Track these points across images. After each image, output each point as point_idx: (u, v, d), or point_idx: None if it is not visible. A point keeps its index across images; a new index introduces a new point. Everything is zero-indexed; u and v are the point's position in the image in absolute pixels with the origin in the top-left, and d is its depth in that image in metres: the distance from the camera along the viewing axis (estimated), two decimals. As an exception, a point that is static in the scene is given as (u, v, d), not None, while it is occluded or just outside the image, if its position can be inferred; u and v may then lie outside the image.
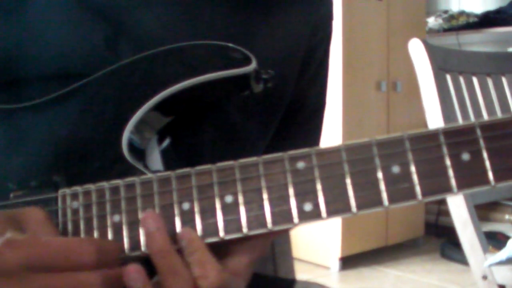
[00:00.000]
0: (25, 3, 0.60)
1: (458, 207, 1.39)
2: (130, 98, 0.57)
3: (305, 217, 0.47)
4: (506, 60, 1.63)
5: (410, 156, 0.46)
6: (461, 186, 0.44)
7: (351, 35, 2.94)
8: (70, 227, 0.51)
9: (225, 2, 0.66)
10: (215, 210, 0.48)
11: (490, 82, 1.56)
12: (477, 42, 3.69)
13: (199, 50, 0.60)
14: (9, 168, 0.57)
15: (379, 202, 0.46)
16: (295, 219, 0.47)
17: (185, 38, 0.60)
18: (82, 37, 0.60)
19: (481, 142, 0.45)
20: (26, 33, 0.60)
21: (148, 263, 0.47)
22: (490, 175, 0.44)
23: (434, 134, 0.45)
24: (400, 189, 0.45)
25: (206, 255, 0.48)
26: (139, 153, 0.57)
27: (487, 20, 3.52)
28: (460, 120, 1.42)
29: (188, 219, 0.48)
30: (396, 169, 0.46)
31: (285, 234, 0.93)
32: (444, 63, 1.49)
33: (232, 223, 0.48)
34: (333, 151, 0.47)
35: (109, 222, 0.50)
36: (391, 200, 0.45)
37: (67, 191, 0.52)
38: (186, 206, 0.49)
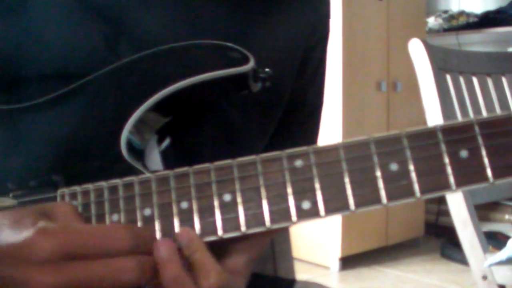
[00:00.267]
0: (25, 3, 0.60)
1: (458, 207, 1.38)
2: (129, 98, 0.57)
3: (303, 215, 0.47)
4: (506, 60, 1.63)
5: (408, 153, 0.46)
6: (459, 183, 0.44)
7: (351, 35, 2.94)
8: None
9: (224, 2, 0.66)
10: (214, 209, 0.48)
11: (490, 82, 1.56)
12: (477, 42, 3.69)
13: (197, 49, 0.60)
14: (8, 168, 0.57)
15: (378, 200, 0.45)
16: (294, 217, 0.47)
17: (185, 38, 0.60)
18: (82, 37, 0.60)
19: (479, 139, 0.45)
20: (26, 33, 0.60)
21: None
22: (489, 172, 0.44)
23: (432, 132, 0.45)
24: (398, 186, 0.45)
25: (206, 255, 0.48)
26: (138, 153, 0.57)
27: (487, 20, 3.52)
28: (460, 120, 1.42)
29: (186, 218, 0.48)
30: (394, 166, 0.46)
31: (285, 234, 0.93)
32: (444, 63, 1.49)
33: (231, 221, 0.48)
34: (331, 149, 0.47)
35: (107, 221, 0.50)
36: (390, 197, 0.45)
37: (66, 190, 0.52)
38: (184, 205, 0.49)
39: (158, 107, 0.56)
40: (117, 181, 0.50)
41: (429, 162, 0.45)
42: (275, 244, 0.90)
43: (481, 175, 0.44)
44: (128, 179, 0.50)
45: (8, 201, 0.53)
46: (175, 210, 0.49)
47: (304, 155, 0.47)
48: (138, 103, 0.56)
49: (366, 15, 3.04)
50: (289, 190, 0.47)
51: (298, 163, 0.47)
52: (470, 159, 0.44)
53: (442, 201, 3.11)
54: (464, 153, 0.45)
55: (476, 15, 3.64)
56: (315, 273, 2.92)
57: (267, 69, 0.60)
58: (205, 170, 0.49)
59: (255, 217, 0.47)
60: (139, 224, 0.49)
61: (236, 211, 0.48)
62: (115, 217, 0.50)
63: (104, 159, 0.57)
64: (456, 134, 0.45)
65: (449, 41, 3.54)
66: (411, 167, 0.45)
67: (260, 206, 0.47)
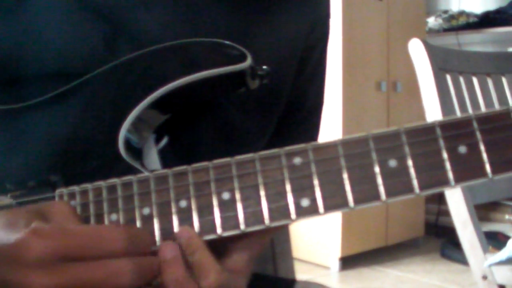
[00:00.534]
0: (25, 3, 0.60)
1: (458, 207, 1.38)
2: (127, 97, 0.57)
3: (302, 212, 0.46)
4: (506, 60, 1.63)
5: (407, 149, 0.45)
6: (458, 179, 0.44)
7: (351, 35, 2.94)
8: None
9: (224, 2, 0.66)
10: (212, 207, 0.48)
11: (490, 82, 1.56)
12: (477, 42, 3.69)
13: (194, 47, 0.60)
14: (6, 168, 0.57)
15: (377, 196, 0.45)
16: (293, 215, 0.47)
17: (184, 37, 0.60)
18: (81, 36, 0.60)
19: (478, 134, 0.44)
20: (25, 33, 0.60)
21: None
22: (488, 167, 0.44)
23: (430, 127, 0.45)
24: (397, 182, 0.45)
25: (205, 254, 0.48)
26: (136, 152, 0.57)
27: (487, 20, 3.52)
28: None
29: (185, 217, 0.48)
30: (393, 163, 0.45)
31: (285, 234, 0.93)
32: (444, 63, 1.49)
33: (230, 220, 0.48)
34: (329, 146, 0.47)
35: (106, 221, 0.50)
36: (389, 194, 0.45)
37: (64, 190, 0.52)
38: (183, 203, 0.49)
39: (156, 106, 0.56)
40: (115, 181, 0.50)
41: (427, 158, 0.45)
42: (275, 245, 0.90)
43: (480, 170, 0.44)
44: (127, 178, 0.50)
45: (5, 200, 0.53)
46: (174, 208, 0.49)
47: (303, 152, 0.47)
48: (136, 101, 0.56)
49: (366, 15, 3.04)
50: (288, 187, 0.47)
51: (297, 160, 0.47)
52: (469, 155, 0.44)
53: (442, 201, 3.12)
54: (462, 149, 0.45)
55: (476, 15, 3.64)
56: (315, 273, 2.91)
57: (264, 67, 0.60)
58: (204, 169, 0.49)
59: (254, 215, 0.47)
60: (138, 223, 0.49)
61: (235, 209, 0.48)
62: (113, 216, 0.50)
63: (102, 159, 0.57)
64: (454, 130, 0.45)
65: (449, 41, 3.54)
66: (410, 163, 0.45)
67: (259, 204, 0.47)
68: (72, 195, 0.51)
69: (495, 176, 0.43)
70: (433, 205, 3.48)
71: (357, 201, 0.46)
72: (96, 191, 0.51)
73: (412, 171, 0.45)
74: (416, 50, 1.46)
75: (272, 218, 0.47)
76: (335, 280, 2.86)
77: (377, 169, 0.46)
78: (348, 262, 2.99)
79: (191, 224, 0.48)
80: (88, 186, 0.51)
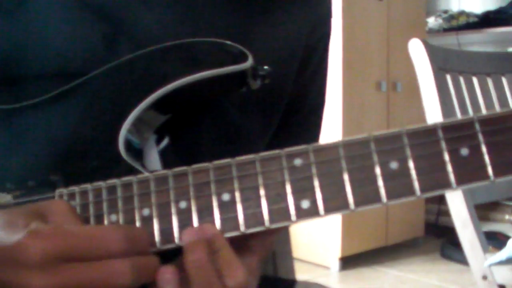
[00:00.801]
0: (25, 3, 0.60)
1: (458, 207, 1.38)
2: (128, 97, 0.57)
3: (302, 214, 0.46)
4: (506, 60, 1.63)
5: (408, 151, 0.45)
6: (460, 181, 0.44)
7: (351, 35, 2.94)
8: None
9: (224, 1, 0.66)
10: (212, 208, 0.48)
11: (490, 82, 1.56)
12: (477, 42, 3.69)
13: (196, 47, 0.60)
14: (6, 168, 0.57)
15: (378, 199, 0.45)
16: (293, 216, 0.46)
17: (185, 37, 0.60)
18: (81, 36, 0.60)
19: (480, 136, 0.44)
20: (26, 33, 0.60)
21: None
22: (489, 170, 0.44)
23: (432, 129, 0.45)
24: (398, 185, 0.45)
25: (231, 253, 0.47)
26: (136, 153, 0.57)
27: (487, 20, 3.52)
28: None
29: (185, 218, 0.48)
30: (394, 165, 0.45)
31: (285, 234, 0.93)
32: (444, 63, 1.49)
33: (230, 221, 0.48)
34: (330, 148, 0.46)
35: (106, 222, 0.50)
36: (390, 196, 0.45)
37: (64, 191, 0.52)
38: (183, 204, 0.48)
39: (156, 106, 0.56)
40: (115, 181, 0.50)
41: (429, 160, 0.45)
42: (275, 245, 0.90)
43: (481, 173, 0.44)
44: (127, 179, 0.50)
45: (4, 198, 0.53)
46: (173, 209, 0.48)
47: (303, 154, 0.47)
48: (137, 101, 0.55)
49: (366, 15, 3.04)
50: (288, 189, 0.47)
51: (297, 161, 0.47)
52: (471, 157, 0.44)
53: (442, 201, 3.12)
54: (464, 151, 0.44)
55: (476, 15, 3.64)
56: (315, 273, 2.91)
57: (266, 67, 0.60)
58: (204, 170, 0.49)
59: (254, 217, 0.47)
60: (138, 224, 0.49)
61: (235, 211, 0.47)
62: (113, 217, 0.50)
63: (102, 159, 0.57)
64: (456, 132, 0.45)
65: (449, 41, 3.54)
66: (411, 165, 0.45)
67: (259, 205, 0.47)
68: (72, 195, 0.51)
69: (497, 179, 0.43)
70: (433, 205, 3.49)
71: (357, 203, 0.45)
72: (96, 192, 0.51)
73: (413, 173, 0.45)
74: (416, 50, 1.46)
75: (272, 219, 0.47)
76: (335, 280, 2.86)
77: (378, 171, 0.45)
78: (348, 262, 2.99)
79: (190, 225, 0.48)
80: (88, 186, 0.51)
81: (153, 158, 0.58)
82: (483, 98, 1.53)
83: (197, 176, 0.49)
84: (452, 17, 3.68)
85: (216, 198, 0.48)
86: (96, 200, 0.50)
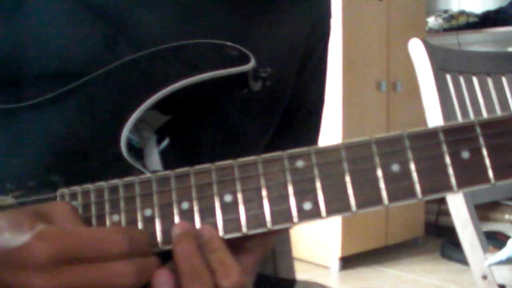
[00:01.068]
0: (25, 3, 0.60)
1: (458, 206, 1.38)
2: (129, 97, 0.57)
3: (304, 216, 0.46)
4: (506, 60, 1.63)
5: (409, 154, 0.45)
6: (461, 184, 0.44)
7: (351, 35, 2.94)
8: None
9: (224, 2, 0.66)
10: (214, 209, 0.48)
11: (490, 82, 1.56)
12: (477, 42, 3.69)
13: (197, 48, 0.60)
14: (7, 168, 0.57)
15: (379, 201, 0.45)
16: (295, 218, 0.47)
17: (185, 37, 0.60)
18: (81, 36, 0.60)
19: (481, 140, 0.44)
20: (26, 33, 0.60)
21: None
22: (490, 173, 0.44)
23: (433, 132, 0.45)
24: (399, 187, 0.45)
25: (227, 254, 0.47)
26: (138, 152, 0.57)
27: (487, 20, 3.52)
28: (460, 120, 1.42)
29: (187, 219, 0.48)
30: (395, 167, 0.45)
31: (285, 234, 0.93)
32: (444, 63, 1.49)
33: (232, 222, 0.48)
34: (332, 150, 0.47)
35: (108, 222, 0.50)
36: (391, 198, 0.45)
37: (66, 191, 0.52)
38: (185, 205, 0.49)
39: (158, 107, 0.56)
40: (117, 181, 0.50)
41: (430, 163, 0.45)
42: (275, 244, 0.90)
43: (482, 176, 0.44)
44: (129, 179, 0.50)
45: (7, 200, 0.53)
46: (175, 210, 0.49)
47: (305, 156, 0.47)
48: (138, 102, 0.56)
49: (366, 15, 3.04)
50: (290, 190, 0.47)
51: (299, 163, 0.47)
52: (472, 160, 0.44)
53: (442, 201, 3.12)
54: (465, 154, 0.44)
55: (476, 15, 3.63)
56: (315, 273, 2.91)
57: (267, 68, 0.60)
58: (206, 171, 0.49)
59: (256, 218, 0.47)
60: (140, 224, 0.49)
61: (237, 212, 0.48)
62: (115, 217, 0.50)
63: (103, 159, 0.57)
64: (457, 135, 0.45)
65: (449, 41, 3.54)
66: (413, 167, 0.45)
67: (261, 206, 0.47)
68: (73, 196, 0.51)
69: (497, 182, 0.43)
70: (433, 205, 3.48)
71: (359, 205, 0.46)
72: (98, 192, 0.51)
73: (414, 175, 0.45)
74: (416, 50, 1.46)
75: (274, 221, 0.47)
76: (335, 280, 2.86)
77: (379, 173, 0.45)
78: (348, 262, 2.99)
79: (192, 226, 0.48)
80: (90, 186, 0.51)
81: (154, 159, 0.58)
82: (483, 98, 1.53)
83: (199, 177, 0.49)
84: (452, 17, 3.68)
85: (218, 199, 0.48)
86: (98, 201, 0.50)
